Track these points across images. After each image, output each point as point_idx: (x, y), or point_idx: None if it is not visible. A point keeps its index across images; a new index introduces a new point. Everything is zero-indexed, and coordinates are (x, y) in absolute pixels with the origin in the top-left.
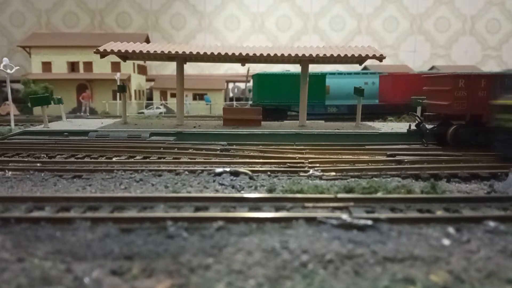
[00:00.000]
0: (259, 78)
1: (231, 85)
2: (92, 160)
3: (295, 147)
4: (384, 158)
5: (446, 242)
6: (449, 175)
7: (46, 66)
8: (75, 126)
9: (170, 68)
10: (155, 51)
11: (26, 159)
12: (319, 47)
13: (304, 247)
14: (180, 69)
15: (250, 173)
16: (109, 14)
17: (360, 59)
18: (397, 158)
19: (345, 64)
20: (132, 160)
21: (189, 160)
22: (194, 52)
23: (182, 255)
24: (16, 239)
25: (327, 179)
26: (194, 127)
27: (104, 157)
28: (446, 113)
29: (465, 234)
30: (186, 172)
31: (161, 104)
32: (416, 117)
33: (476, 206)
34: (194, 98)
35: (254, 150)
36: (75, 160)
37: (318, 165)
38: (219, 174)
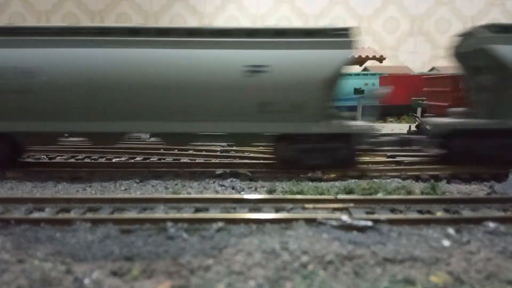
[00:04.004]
0: None
1: None
2: (92, 161)
3: None
4: (384, 159)
5: (446, 243)
6: (449, 176)
7: None
8: None
9: None
10: None
11: (26, 161)
12: None
13: (304, 248)
14: None
15: (250, 174)
16: (109, 15)
17: (360, 60)
18: (397, 159)
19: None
20: (132, 161)
21: (189, 161)
22: None
23: (182, 256)
24: (16, 241)
25: (327, 180)
26: None
27: (104, 159)
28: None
29: (465, 235)
30: (186, 173)
31: None
32: (416, 119)
33: (476, 207)
34: None
35: (255, 151)
36: (75, 161)
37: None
38: (220, 175)
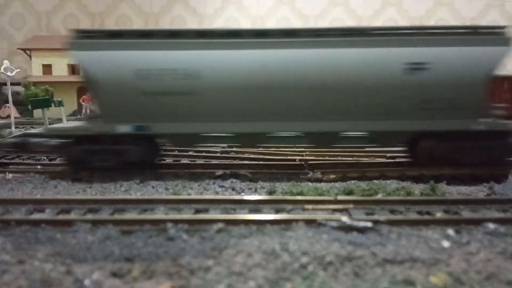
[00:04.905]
0: None
1: None
2: None
3: (294, 149)
4: (384, 160)
5: (445, 244)
6: (449, 177)
7: (47, 68)
8: None
9: None
10: None
11: (26, 161)
12: None
13: (304, 249)
14: None
15: (250, 175)
16: (109, 16)
17: None
18: (397, 160)
19: None
20: None
21: (189, 162)
22: None
23: (182, 257)
24: (17, 241)
25: (327, 181)
26: None
27: None
28: None
29: (465, 236)
30: (187, 174)
31: None
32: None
33: (476, 208)
34: None
35: (254, 152)
36: None
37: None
38: (220, 176)
